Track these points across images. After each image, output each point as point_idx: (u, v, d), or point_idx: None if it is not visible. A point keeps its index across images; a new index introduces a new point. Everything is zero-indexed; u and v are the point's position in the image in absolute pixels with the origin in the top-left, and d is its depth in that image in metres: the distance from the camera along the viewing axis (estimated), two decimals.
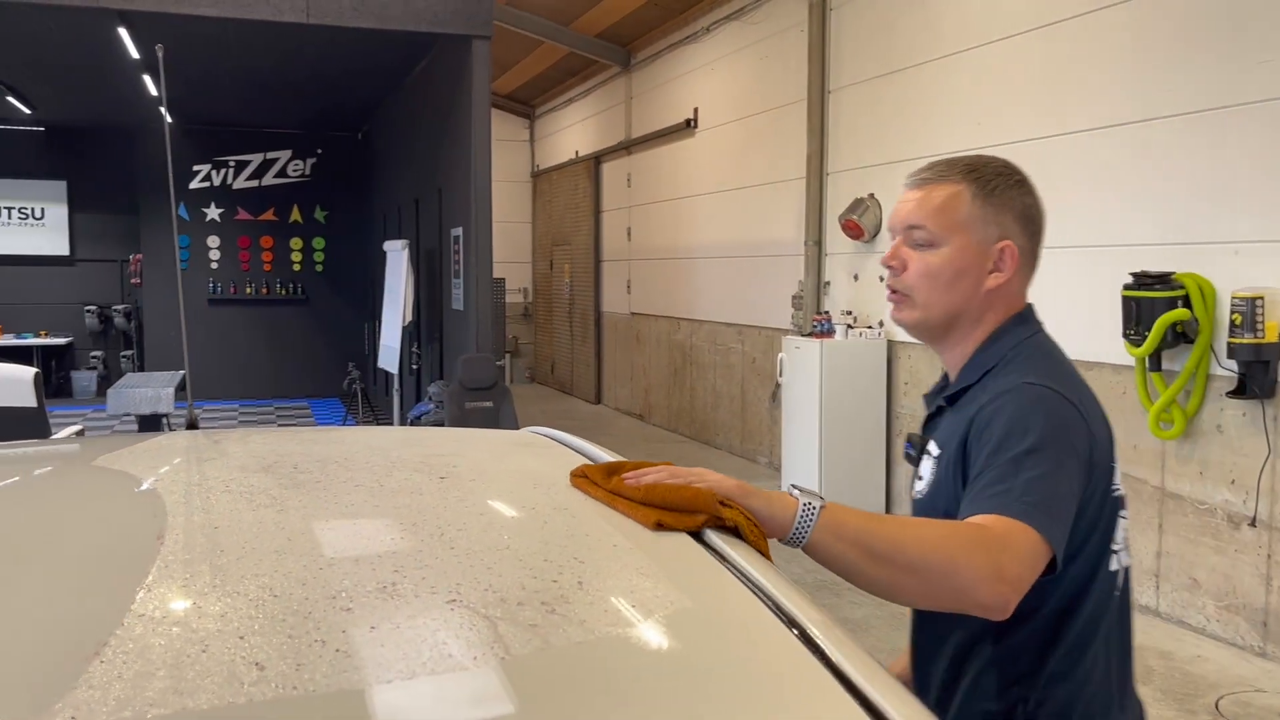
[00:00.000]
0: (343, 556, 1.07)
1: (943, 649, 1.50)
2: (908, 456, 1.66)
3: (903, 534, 1.28)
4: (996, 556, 1.25)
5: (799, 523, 1.23)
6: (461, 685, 0.82)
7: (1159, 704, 4.21)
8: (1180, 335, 4.76)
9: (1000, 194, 1.49)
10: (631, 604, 0.98)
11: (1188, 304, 4.72)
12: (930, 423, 1.61)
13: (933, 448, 1.53)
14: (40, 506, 1.32)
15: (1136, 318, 4.86)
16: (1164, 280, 4.81)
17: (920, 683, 1.57)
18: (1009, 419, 1.38)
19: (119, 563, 1.03)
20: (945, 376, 1.62)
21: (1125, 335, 4.95)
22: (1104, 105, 5.34)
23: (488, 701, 0.82)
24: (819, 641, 0.94)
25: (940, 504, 1.47)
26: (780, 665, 0.92)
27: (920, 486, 1.55)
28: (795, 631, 0.96)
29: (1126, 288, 4.94)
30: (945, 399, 1.55)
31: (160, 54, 2.38)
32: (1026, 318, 1.56)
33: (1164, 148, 5.01)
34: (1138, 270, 4.93)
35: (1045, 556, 1.29)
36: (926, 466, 1.54)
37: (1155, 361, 4.91)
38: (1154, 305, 4.78)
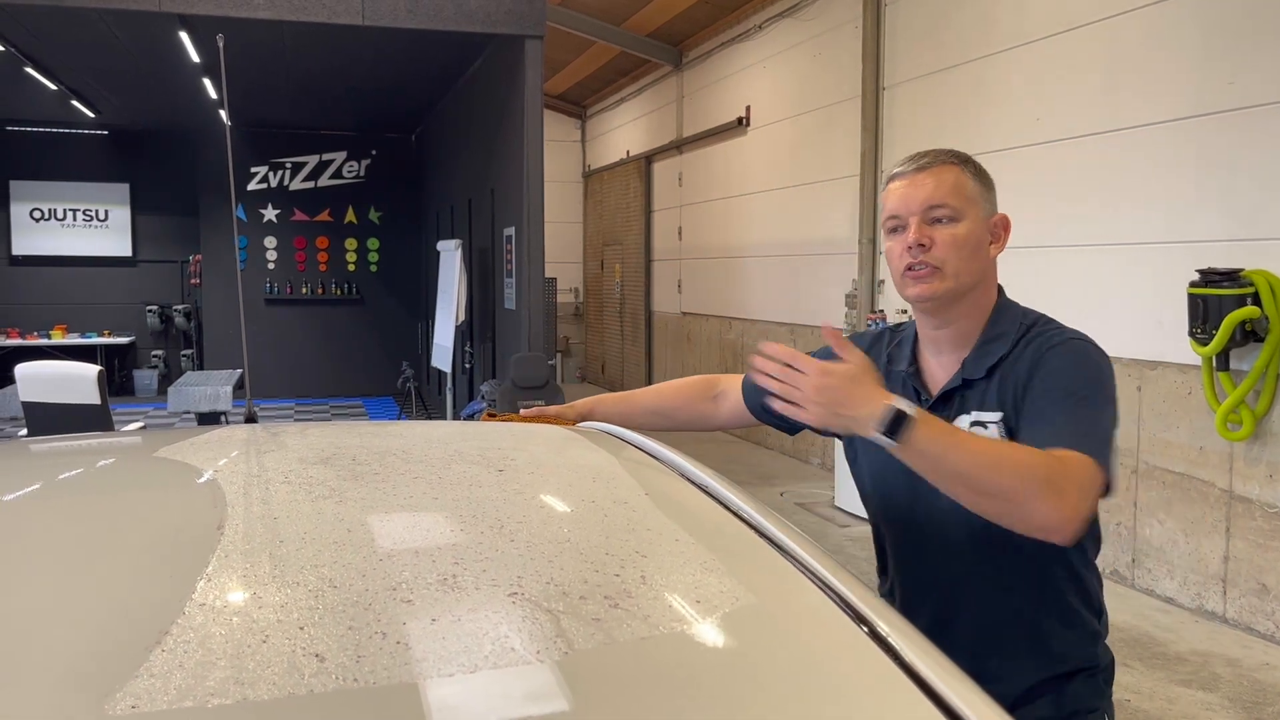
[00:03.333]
0: (402, 548, 1.06)
1: (1004, 598, 1.64)
2: None
3: (990, 457, 1.43)
4: (1062, 488, 1.41)
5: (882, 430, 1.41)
6: (524, 680, 0.80)
7: (1226, 712, 4.09)
8: (1249, 334, 4.63)
9: (985, 175, 1.68)
10: (696, 599, 0.95)
11: (1257, 301, 4.59)
12: (950, 400, 1.66)
13: (980, 417, 1.61)
14: (103, 496, 1.33)
15: (1203, 316, 4.73)
16: (1232, 277, 4.68)
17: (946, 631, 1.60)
18: (1075, 364, 1.56)
19: (180, 552, 1.03)
20: (912, 353, 1.74)
21: (1191, 334, 4.82)
22: (1167, 99, 5.21)
23: (550, 697, 0.80)
24: (890, 639, 0.91)
25: None
26: (851, 663, 0.89)
27: None
28: (865, 629, 0.93)
29: (1193, 285, 4.81)
30: (986, 370, 1.63)
31: (220, 44, 2.40)
32: (1001, 289, 1.73)
33: (1231, 142, 4.87)
34: (1204, 267, 4.80)
35: (1102, 487, 1.49)
36: (981, 434, 1.59)
37: (1223, 361, 4.78)
38: (1222, 303, 4.65)
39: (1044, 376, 1.55)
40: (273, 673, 0.77)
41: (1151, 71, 5.31)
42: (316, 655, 0.79)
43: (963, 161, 1.65)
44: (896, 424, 1.39)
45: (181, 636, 0.82)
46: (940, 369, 1.70)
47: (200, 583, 0.93)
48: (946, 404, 1.65)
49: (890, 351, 1.79)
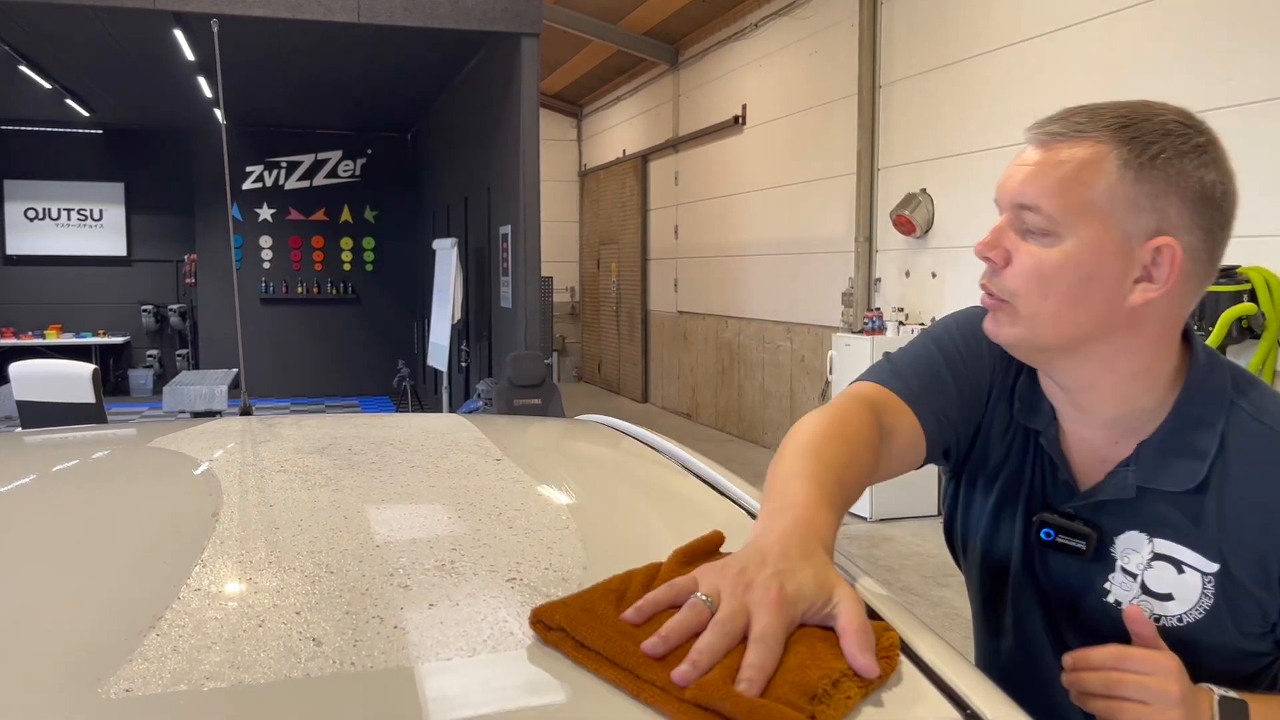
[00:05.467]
0: (399, 535, 1.05)
1: None
2: (1063, 548, 1.12)
3: None
4: None
5: None
6: (523, 664, 0.79)
7: None
8: (1246, 330, 4.64)
9: (1166, 164, 1.01)
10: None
11: (1253, 298, 4.60)
12: (1105, 505, 1.10)
13: (1178, 554, 1.06)
14: (99, 486, 1.32)
15: (1200, 313, 4.73)
16: (1228, 274, 4.68)
17: None
18: None
19: (175, 539, 1.02)
20: (1052, 413, 1.14)
21: None
22: (1164, 96, 5.17)
23: (550, 681, 0.79)
24: (894, 626, 0.90)
25: (1218, 637, 1.06)
26: None
27: (1170, 609, 1.07)
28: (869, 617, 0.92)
29: None
30: (1192, 486, 1.05)
31: (215, 29, 2.40)
32: (1204, 346, 1.11)
33: (1228, 138, 4.85)
34: None
35: None
36: (1174, 579, 1.06)
37: None
38: (1218, 300, 4.66)
39: None
40: (269, 656, 0.76)
41: (1147, 68, 5.32)
42: (313, 639, 0.78)
43: (1123, 136, 1.01)
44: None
45: (176, 621, 0.81)
46: (1086, 446, 1.12)
47: (195, 568, 0.92)
48: (1099, 509, 1.11)
49: (1021, 387, 1.17)
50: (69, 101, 11.70)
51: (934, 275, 7.16)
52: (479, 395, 8.52)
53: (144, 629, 0.79)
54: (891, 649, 0.81)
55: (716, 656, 0.74)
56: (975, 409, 1.19)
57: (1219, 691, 0.97)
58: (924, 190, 7.14)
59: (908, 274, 7.47)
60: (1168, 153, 1.02)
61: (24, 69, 9.70)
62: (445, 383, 9.76)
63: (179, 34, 8.05)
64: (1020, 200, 1.04)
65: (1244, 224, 4.25)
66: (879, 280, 7.80)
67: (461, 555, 0.95)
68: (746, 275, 10.09)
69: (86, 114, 12.63)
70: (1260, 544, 1.02)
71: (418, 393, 10.86)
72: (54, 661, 0.76)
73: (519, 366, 7.43)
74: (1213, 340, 4.64)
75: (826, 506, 0.92)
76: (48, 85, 10.60)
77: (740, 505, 1.22)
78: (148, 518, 1.12)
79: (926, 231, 7.14)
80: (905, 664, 0.84)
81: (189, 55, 8.68)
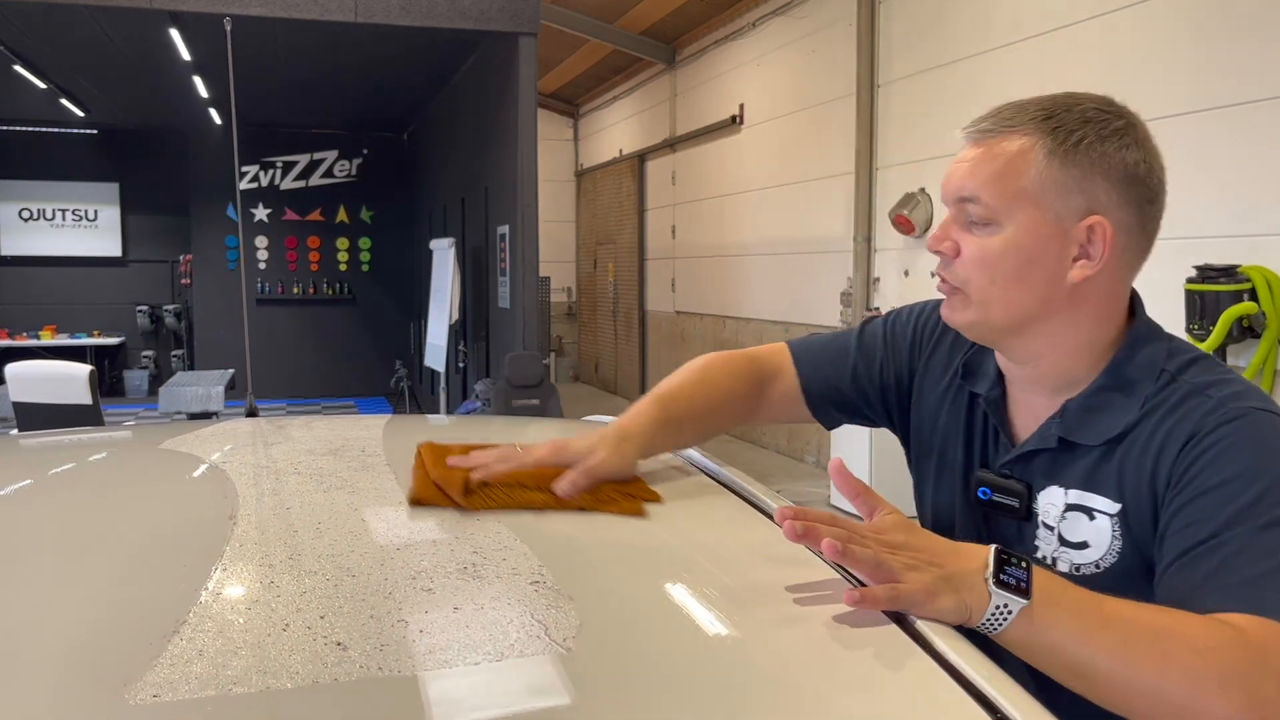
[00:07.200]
0: (419, 537, 1.04)
1: None
2: (999, 507, 1.17)
3: (1133, 647, 0.89)
4: (1257, 685, 0.87)
5: (985, 623, 0.90)
6: (552, 668, 0.78)
7: None
8: (1246, 330, 4.64)
9: (1089, 149, 1.09)
10: (722, 589, 0.94)
11: (1254, 297, 4.60)
12: (1032, 461, 1.15)
13: (1087, 501, 1.10)
14: (112, 488, 1.31)
15: (1200, 312, 4.74)
16: (1229, 273, 4.68)
17: None
18: (1245, 461, 0.98)
19: (193, 542, 1.01)
20: (998, 373, 1.21)
21: (1188, 330, 4.82)
22: (1163, 95, 5.21)
23: (577, 685, 0.78)
24: (918, 627, 0.90)
25: (1132, 585, 1.02)
26: (880, 650, 0.88)
27: (1088, 556, 1.10)
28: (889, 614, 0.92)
29: (1189, 281, 4.82)
30: (1105, 440, 1.09)
31: (228, 27, 2.38)
32: (1147, 318, 1.15)
33: (1227, 137, 4.88)
34: (1201, 263, 4.81)
35: None
36: (1087, 527, 1.09)
37: (1220, 357, 4.78)
38: (1219, 299, 4.66)
39: (1202, 475, 0.99)
40: (295, 662, 0.75)
41: (1146, 67, 5.32)
42: (338, 644, 0.78)
43: (1047, 128, 1.11)
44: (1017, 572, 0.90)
45: (199, 625, 0.80)
46: (1029, 410, 1.18)
47: (216, 572, 0.91)
48: (1028, 465, 1.15)
49: (968, 358, 1.26)
50: (64, 101, 11.66)
51: (933, 275, 7.16)
52: (477, 396, 8.51)
53: (167, 633, 0.78)
54: (631, 503, 1.11)
55: (493, 462, 1.17)
56: (886, 382, 1.35)
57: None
58: (923, 190, 7.14)
59: (906, 273, 7.47)
60: (1089, 138, 1.10)
61: (18, 68, 9.67)
62: (443, 383, 9.75)
63: (175, 33, 8.03)
64: (961, 194, 1.12)
65: (1244, 223, 4.27)
66: (878, 280, 7.80)
67: (484, 558, 0.95)
68: (745, 275, 10.09)
69: (81, 114, 12.60)
70: (1152, 477, 1.04)
71: (415, 394, 10.84)
72: (81, 666, 0.76)
73: (517, 367, 7.42)
74: (1213, 340, 4.64)
75: (654, 410, 1.27)
76: (42, 85, 10.57)
77: (751, 502, 1.22)
78: (165, 520, 1.11)
79: (925, 231, 7.14)
80: (934, 669, 0.84)
81: (185, 55, 8.66)
